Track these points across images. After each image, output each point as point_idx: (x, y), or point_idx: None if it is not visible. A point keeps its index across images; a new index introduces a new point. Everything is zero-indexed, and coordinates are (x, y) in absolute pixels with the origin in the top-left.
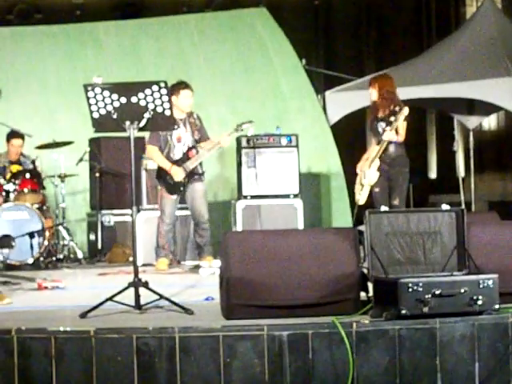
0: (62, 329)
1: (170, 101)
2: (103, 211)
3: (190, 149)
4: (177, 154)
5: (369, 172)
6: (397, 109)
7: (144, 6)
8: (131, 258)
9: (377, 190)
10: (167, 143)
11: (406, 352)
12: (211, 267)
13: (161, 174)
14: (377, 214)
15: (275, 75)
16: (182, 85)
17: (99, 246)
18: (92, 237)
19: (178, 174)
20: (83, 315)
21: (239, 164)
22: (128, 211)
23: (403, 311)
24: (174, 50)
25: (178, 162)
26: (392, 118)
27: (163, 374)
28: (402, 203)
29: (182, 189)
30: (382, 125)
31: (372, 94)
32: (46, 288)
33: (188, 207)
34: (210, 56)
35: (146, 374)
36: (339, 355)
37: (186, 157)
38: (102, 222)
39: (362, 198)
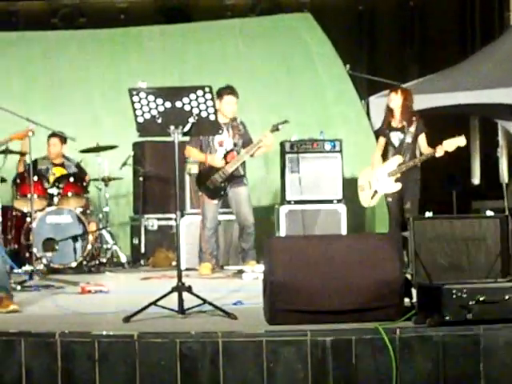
0: (105, 333)
1: (214, 105)
2: (146, 215)
3: (228, 152)
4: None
5: (387, 180)
6: (411, 128)
7: (188, 11)
8: (174, 263)
9: (389, 199)
10: (209, 147)
11: (450, 358)
12: (254, 272)
13: (201, 180)
14: (421, 220)
15: (319, 80)
16: (227, 90)
17: (142, 250)
18: (135, 241)
19: (215, 161)
20: (127, 319)
21: (283, 169)
22: (171, 215)
23: (447, 317)
24: (218, 55)
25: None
26: (410, 134)
27: (206, 379)
28: (414, 207)
29: (222, 193)
30: (398, 135)
31: (394, 101)
32: (89, 292)
33: (232, 211)
34: (253, 61)
35: (189, 379)
36: (382, 361)
37: (225, 160)
38: (145, 226)
39: (372, 202)
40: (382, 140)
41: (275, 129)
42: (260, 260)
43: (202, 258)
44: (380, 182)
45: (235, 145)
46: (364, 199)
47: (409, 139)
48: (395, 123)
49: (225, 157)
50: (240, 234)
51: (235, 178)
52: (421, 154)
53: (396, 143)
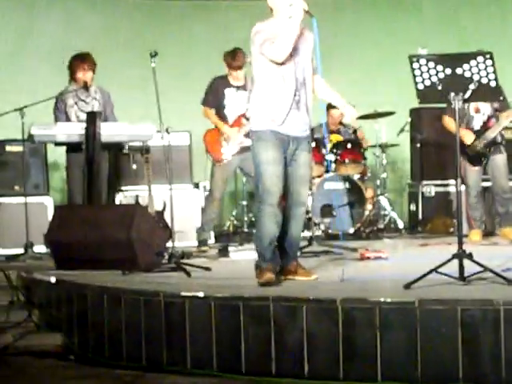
0: (386, 299)
1: (495, 72)
2: (424, 182)
3: (489, 118)
4: (476, 125)
5: None
6: None
7: None
8: (452, 229)
9: None
10: (465, 114)
11: None
12: None
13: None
14: None
15: None
16: None
17: (419, 217)
18: (412, 207)
19: (467, 137)
20: (407, 286)
21: None
22: (449, 182)
23: None
24: (497, 21)
25: (477, 133)
26: None
27: (487, 347)
28: None
29: (483, 159)
30: None
31: None
32: (368, 258)
33: (489, 178)
34: None
35: (470, 346)
36: None
37: (485, 127)
38: (422, 193)
39: None
40: None
41: None
42: None
43: (471, 225)
44: None
45: (496, 110)
46: None
47: None
48: None
49: (486, 123)
50: (496, 199)
51: (494, 145)
52: None
53: None
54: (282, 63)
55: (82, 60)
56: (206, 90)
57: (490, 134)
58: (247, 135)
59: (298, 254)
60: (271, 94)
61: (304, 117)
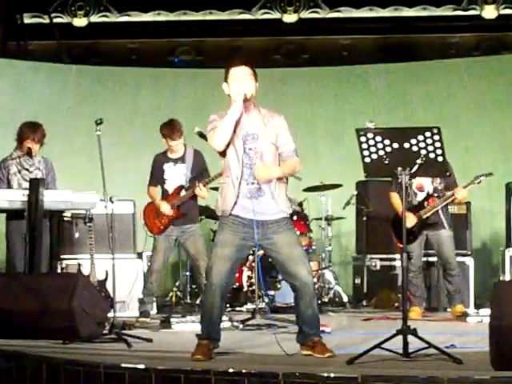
0: (329, 374)
1: (442, 147)
2: (369, 255)
3: (429, 197)
4: (415, 201)
5: None
6: None
7: (410, 48)
8: (397, 304)
9: None
10: (407, 191)
11: None
12: (478, 315)
13: (395, 221)
14: None
15: None
16: None
17: (364, 291)
18: (357, 281)
19: (408, 220)
20: (350, 361)
21: (508, 212)
22: (395, 256)
23: None
24: (443, 94)
25: (413, 210)
26: None
27: None
28: None
29: (411, 238)
30: None
31: None
32: None
33: (435, 254)
34: (479, 101)
35: None
36: None
37: (422, 204)
38: (367, 267)
39: None
40: None
41: (477, 181)
42: (484, 303)
43: (411, 302)
44: None
45: (435, 190)
46: None
47: None
48: None
49: (424, 201)
50: (444, 276)
51: (432, 224)
52: None
53: None
54: (226, 152)
55: (33, 131)
56: (151, 168)
57: (424, 214)
58: (185, 203)
59: (241, 326)
60: (223, 182)
61: (270, 202)
